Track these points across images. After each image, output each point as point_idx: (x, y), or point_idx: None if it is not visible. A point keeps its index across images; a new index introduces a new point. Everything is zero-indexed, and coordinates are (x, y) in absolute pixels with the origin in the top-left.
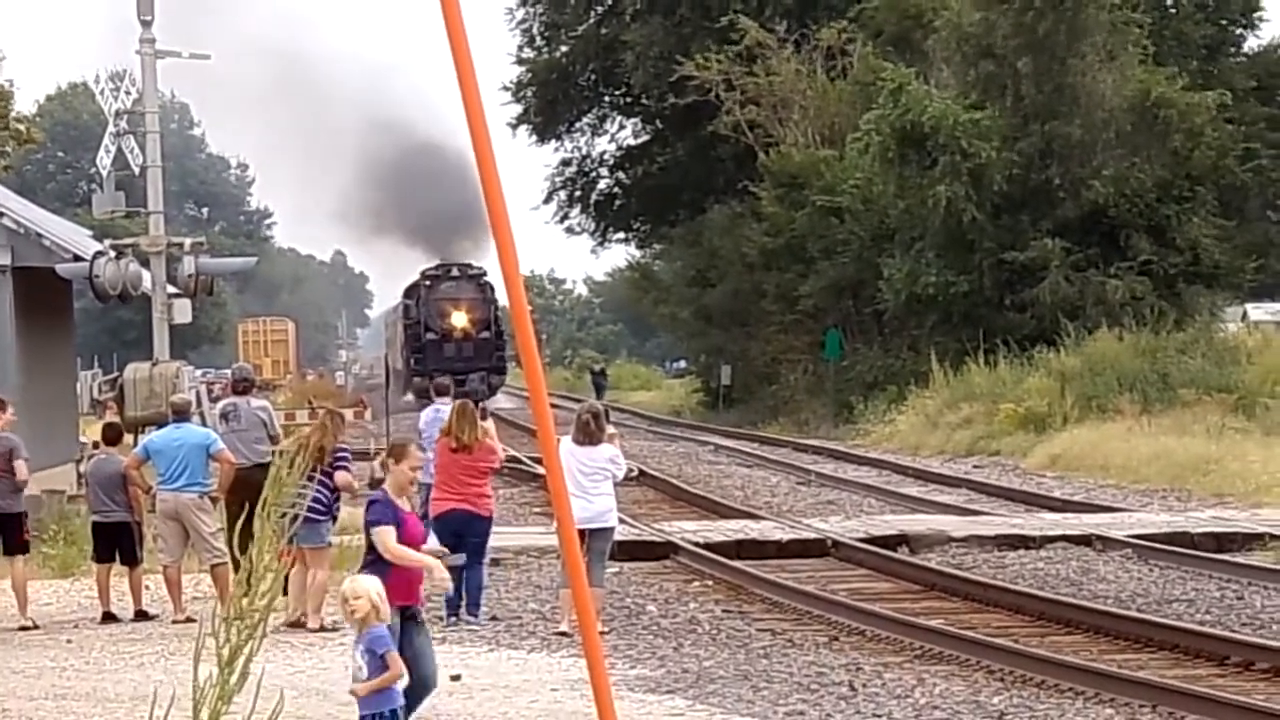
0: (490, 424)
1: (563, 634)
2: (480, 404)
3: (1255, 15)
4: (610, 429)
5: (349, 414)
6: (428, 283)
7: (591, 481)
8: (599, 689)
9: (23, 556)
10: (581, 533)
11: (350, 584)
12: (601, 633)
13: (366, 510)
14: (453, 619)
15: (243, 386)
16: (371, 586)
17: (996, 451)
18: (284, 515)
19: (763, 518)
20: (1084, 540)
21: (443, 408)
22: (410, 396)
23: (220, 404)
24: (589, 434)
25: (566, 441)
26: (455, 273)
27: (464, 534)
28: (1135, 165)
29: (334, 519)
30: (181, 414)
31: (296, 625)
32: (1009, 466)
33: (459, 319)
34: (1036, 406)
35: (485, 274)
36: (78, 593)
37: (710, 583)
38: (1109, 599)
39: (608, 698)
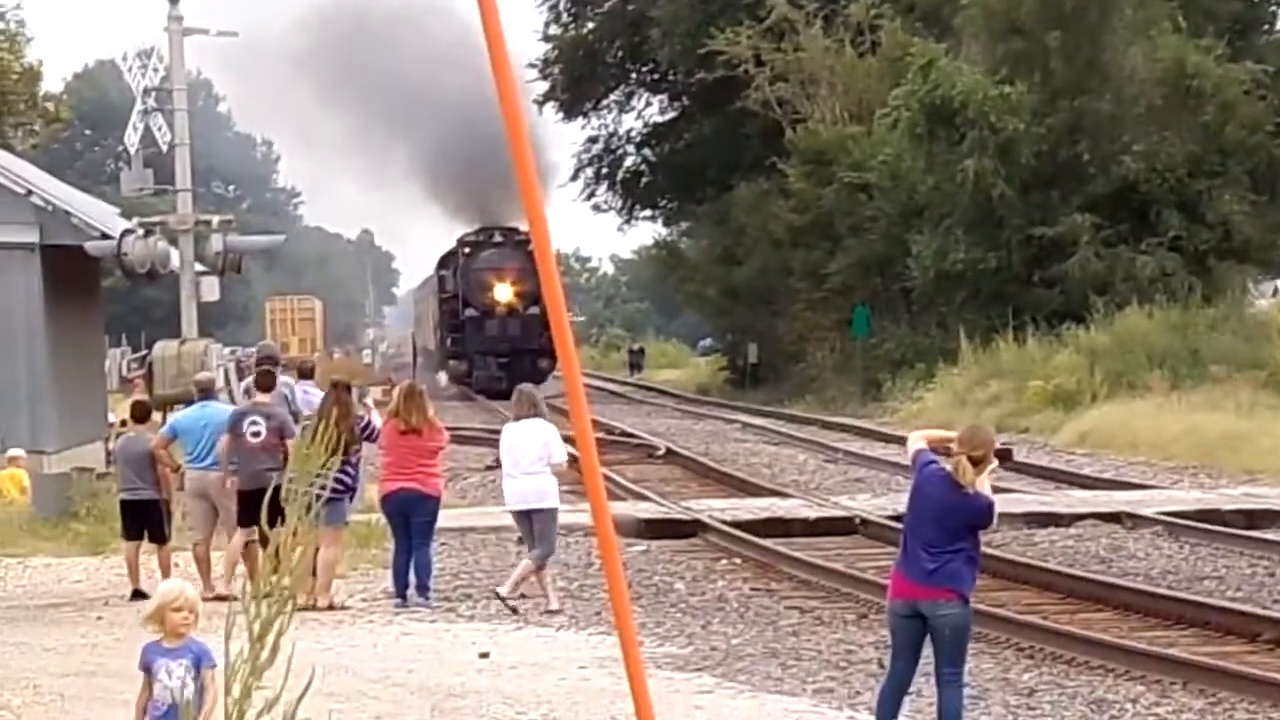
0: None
1: (500, 596)
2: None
3: None
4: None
5: (378, 392)
6: (466, 250)
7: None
8: (633, 673)
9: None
10: (527, 512)
11: (179, 589)
12: (551, 610)
13: (986, 511)
14: (399, 601)
15: (267, 367)
16: (197, 596)
17: (1025, 429)
18: (308, 492)
19: (791, 495)
20: (1113, 518)
21: (310, 390)
22: (444, 379)
23: (245, 381)
24: (525, 410)
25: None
26: (498, 239)
27: (410, 514)
28: (1166, 140)
29: (351, 495)
30: (206, 392)
31: (305, 607)
32: (1038, 444)
33: (503, 292)
34: (1065, 384)
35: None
36: (108, 570)
37: (738, 561)
38: (1139, 576)
39: (642, 680)
